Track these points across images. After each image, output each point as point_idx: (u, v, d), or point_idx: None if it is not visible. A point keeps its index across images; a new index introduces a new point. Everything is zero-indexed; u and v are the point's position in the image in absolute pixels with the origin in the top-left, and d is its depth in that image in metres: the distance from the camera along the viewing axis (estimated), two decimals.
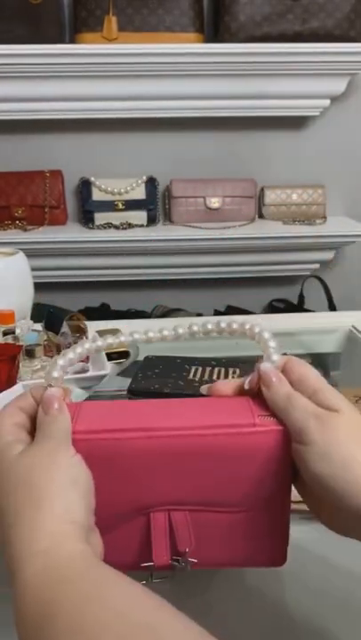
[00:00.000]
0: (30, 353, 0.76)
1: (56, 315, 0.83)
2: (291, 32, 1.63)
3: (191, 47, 1.60)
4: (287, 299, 1.99)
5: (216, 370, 0.72)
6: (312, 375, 0.39)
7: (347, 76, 1.71)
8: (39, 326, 0.85)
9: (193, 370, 0.72)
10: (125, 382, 0.83)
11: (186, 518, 0.38)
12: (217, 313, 1.88)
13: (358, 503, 0.34)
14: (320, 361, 1.05)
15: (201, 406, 0.39)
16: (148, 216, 1.81)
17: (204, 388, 0.42)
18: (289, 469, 0.38)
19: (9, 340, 0.78)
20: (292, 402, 0.37)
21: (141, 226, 1.80)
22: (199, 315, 1.77)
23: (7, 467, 0.36)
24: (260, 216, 1.90)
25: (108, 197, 1.79)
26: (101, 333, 0.87)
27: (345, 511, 0.35)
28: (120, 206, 1.79)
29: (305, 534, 0.46)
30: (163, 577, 0.39)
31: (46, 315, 0.83)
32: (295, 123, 1.85)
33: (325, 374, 1.03)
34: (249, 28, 1.62)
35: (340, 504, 0.35)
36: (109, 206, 1.79)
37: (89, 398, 0.78)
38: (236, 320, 0.41)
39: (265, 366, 0.39)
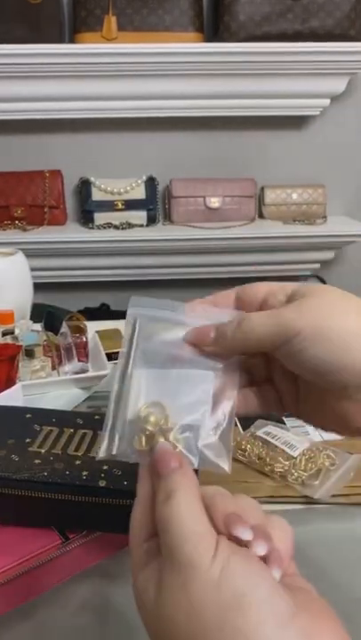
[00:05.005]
0: (30, 353, 0.75)
1: (55, 315, 0.83)
2: (291, 31, 1.63)
3: (191, 47, 1.60)
4: None
5: (79, 434, 0.51)
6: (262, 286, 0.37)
7: (347, 75, 1.71)
8: (38, 326, 0.85)
9: (43, 433, 0.51)
10: None
11: None
12: None
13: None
14: None
15: None
16: (147, 216, 1.80)
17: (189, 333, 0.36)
18: None
19: (8, 340, 0.78)
20: (248, 322, 0.34)
21: (141, 226, 1.80)
22: None
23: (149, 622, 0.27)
24: (261, 216, 1.90)
25: (108, 197, 1.79)
26: (101, 334, 0.86)
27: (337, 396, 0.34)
28: (120, 206, 1.79)
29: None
30: None
31: (45, 315, 0.83)
32: (295, 122, 1.85)
33: None
34: (249, 27, 1.62)
35: (334, 391, 0.34)
36: (109, 206, 1.79)
37: (89, 399, 0.78)
38: None
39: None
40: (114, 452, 0.33)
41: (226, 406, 0.35)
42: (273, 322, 0.33)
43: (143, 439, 0.32)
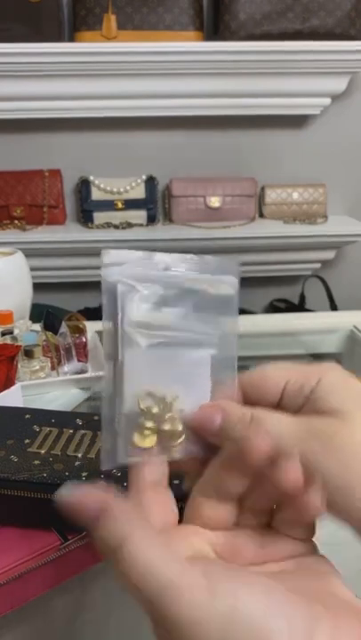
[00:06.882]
0: (29, 353, 0.75)
1: (55, 315, 0.82)
2: (291, 30, 1.63)
3: (191, 46, 1.59)
4: (288, 298, 1.99)
5: (79, 435, 0.50)
6: (275, 371, 0.30)
7: (347, 74, 1.71)
8: (38, 326, 0.85)
9: (42, 434, 0.50)
10: None
11: None
12: None
13: None
14: (321, 361, 1.04)
15: None
16: (147, 215, 1.80)
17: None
18: None
19: (7, 340, 0.78)
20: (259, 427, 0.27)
21: (141, 225, 1.80)
22: None
23: None
24: (261, 215, 1.89)
25: (108, 197, 1.79)
26: (101, 334, 0.86)
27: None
28: (120, 206, 1.79)
29: None
30: None
31: (45, 315, 0.83)
32: (296, 121, 1.85)
33: None
34: (249, 26, 1.61)
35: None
36: (109, 206, 1.78)
37: (88, 399, 0.77)
38: None
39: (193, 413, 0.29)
40: (120, 461, 0.28)
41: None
42: (304, 428, 0.28)
43: (146, 435, 0.28)
